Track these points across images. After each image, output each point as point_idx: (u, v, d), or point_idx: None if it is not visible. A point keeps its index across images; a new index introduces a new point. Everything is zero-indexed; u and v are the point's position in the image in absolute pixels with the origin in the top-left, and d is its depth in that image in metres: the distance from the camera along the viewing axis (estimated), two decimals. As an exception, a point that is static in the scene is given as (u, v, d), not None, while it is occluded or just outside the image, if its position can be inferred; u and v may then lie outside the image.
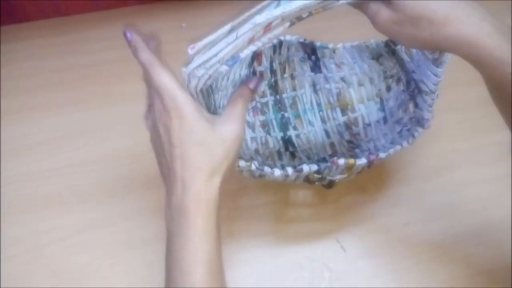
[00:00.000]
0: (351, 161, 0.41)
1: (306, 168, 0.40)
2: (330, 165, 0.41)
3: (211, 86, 0.42)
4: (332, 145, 0.52)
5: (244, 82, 0.40)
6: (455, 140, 0.55)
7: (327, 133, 0.53)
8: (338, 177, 0.43)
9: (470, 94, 0.57)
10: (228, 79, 0.48)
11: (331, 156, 0.51)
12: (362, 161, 0.41)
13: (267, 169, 0.40)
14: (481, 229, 0.48)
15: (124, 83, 0.62)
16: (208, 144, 0.33)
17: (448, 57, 0.41)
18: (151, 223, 0.47)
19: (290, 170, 0.40)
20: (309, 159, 0.51)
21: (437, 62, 0.42)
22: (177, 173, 0.32)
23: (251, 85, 0.39)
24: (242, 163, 0.39)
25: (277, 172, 0.40)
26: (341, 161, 0.41)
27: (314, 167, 0.40)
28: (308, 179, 0.43)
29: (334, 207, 0.50)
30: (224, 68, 0.34)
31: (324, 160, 0.51)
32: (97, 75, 0.64)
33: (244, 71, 0.50)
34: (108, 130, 0.57)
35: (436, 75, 0.42)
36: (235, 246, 0.46)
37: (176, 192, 0.32)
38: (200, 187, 0.32)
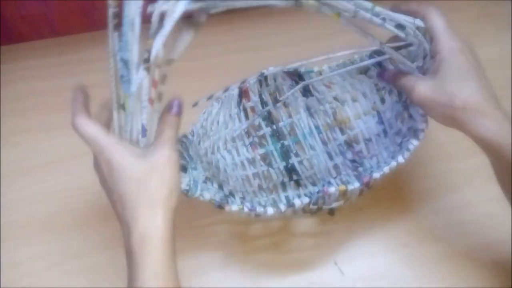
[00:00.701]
0: (342, 187, 0.40)
1: (298, 202, 0.40)
2: (321, 195, 0.40)
3: (186, 136, 0.43)
4: (336, 167, 0.51)
5: (166, 108, 0.37)
6: (453, 161, 0.54)
7: (329, 155, 0.52)
8: (335, 204, 0.42)
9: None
10: (218, 123, 0.48)
11: (336, 179, 0.50)
12: (355, 185, 0.40)
13: (259, 208, 0.40)
14: (479, 250, 0.46)
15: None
16: (140, 178, 0.32)
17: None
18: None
19: (282, 206, 0.40)
20: (315, 186, 0.50)
21: (422, 70, 0.41)
22: (120, 216, 0.33)
23: (174, 110, 0.37)
24: (234, 207, 0.40)
25: (270, 210, 0.40)
26: (332, 189, 0.40)
27: (306, 200, 0.40)
28: (305, 211, 0.42)
29: (332, 230, 0.49)
30: None
31: (329, 184, 0.50)
32: (94, 96, 0.63)
33: (234, 110, 0.50)
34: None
35: None
36: (236, 272, 0.46)
37: (124, 235, 0.32)
38: (144, 225, 0.31)
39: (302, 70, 0.50)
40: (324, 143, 0.53)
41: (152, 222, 0.31)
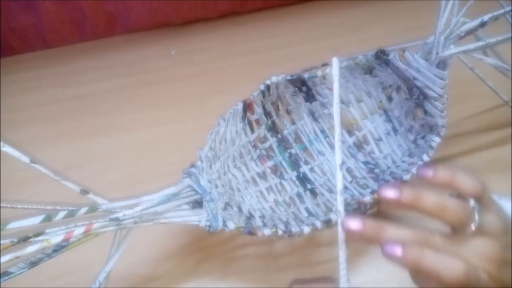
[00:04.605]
0: (377, 195, 0.39)
1: (334, 217, 0.38)
2: (357, 206, 0.39)
3: (194, 166, 0.40)
4: (349, 170, 0.50)
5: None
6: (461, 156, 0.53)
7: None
8: (369, 212, 0.41)
9: (463, 111, 0.57)
10: (225, 141, 0.46)
11: (352, 183, 0.49)
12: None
13: (294, 229, 0.38)
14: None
15: (113, 114, 0.63)
16: None
17: (452, 59, 0.40)
18: (149, 258, 0.45)
19: (318, 224, 0.38)
20: (331, 193, 0.48)
21: (441, 65, 0.40)
22: None
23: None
24: (267, 231, 0.37)
25: (306, 229, 0.38)
26: (367, 198, 0.38)
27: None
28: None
29: (333, 232, 0.48)
30: None
31: (346, 188, 0.48)
32: (85, 107, 0.64)
33: (239, 125, 0.48)
34: (98, 164, 0.55)
35: (442, 79, 0.40)
36: (234, 276, 0.45)
37: None
38: None
39: (306, 76, 0.48)
40: (332, 146, 0.52)
41: None
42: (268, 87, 0.47)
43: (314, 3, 0.80)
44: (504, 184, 0.48)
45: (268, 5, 0.79)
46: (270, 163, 0.50)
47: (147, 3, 0.72)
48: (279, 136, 0.52)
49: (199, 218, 0.37)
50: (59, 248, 0.34)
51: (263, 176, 0.50)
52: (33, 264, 0.34)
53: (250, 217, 0.43)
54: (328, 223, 0.38)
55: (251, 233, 0.38)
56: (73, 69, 0.69)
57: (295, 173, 0.50)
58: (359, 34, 0.71)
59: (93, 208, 0.35)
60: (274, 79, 0.47)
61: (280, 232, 0.38)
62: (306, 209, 0.47)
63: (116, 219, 0.33)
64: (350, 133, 0.51)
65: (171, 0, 0.72)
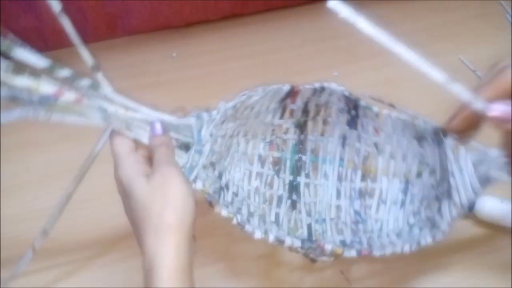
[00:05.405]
0: (339, 250, 0.37)
1: (288, 241, 0.37)
2: (314, 247, 0.37)
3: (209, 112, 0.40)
4: (338, 208, 0.48)
5: (150, 133, 0.37)
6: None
7: (338, 193, 0.49)
8: (322, 258, 0.39)
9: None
10: (251, 110, 0.44)
11: (332, 221, 0.47)
12: (351, 253, 0.38)
13: (248, 227, 0.37)
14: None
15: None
16: (144, 201, 0.31)
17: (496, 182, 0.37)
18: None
19: (271, 237, 0.37)
20: (309, 216, 0.47)
21: (483, 180, 0.37)
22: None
23: (157, 132, 0.37)
24: (224, 213, 0.37)
25: (258, 234, 0.37)
26: (328, 246, 0.37)
27: (298, 243, 0.37)
28: (291, 250, 0.40)
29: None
30: None
31: (324, 221, 0.47)
32: None
33: (273, 105, 0.46)
34: (100, 166, 0.54)
35: (475, 193, 0.37)
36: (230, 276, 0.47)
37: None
38: (150, 254, 0.29)
39: (363, 103, 0.45)
40: (340, 178, 0.49)
41: (158, 251, 0.28)
42: (322, 89, 0.45)
43: (317, 5, 0.77)
44: (505, 186, 0.45)
45: (270, 7, 0.78)
46: (276, 154, 0.49)
47: (148, 5, 0.71)
48: (302, 137, 0.50)
49: (177, 160, 0.37)
50: (44, 102, 0.34)
51: (262, 160, 0.48)
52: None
53: (224, 188, 0.43)
54: (280, 241, 0.37)
55: (210, 204, 0.37)
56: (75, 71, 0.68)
57: (291, 178, 0.49)
58: (362, 36, 0.68)
59: (96, 85, 0.35)
60: (333, 85, 0.44)
61: (234, 221, 0.37)
62: (276, 214, 0.46)
63: (105, 111, 0.33)
64: (363, 178, 0.49)
65: (172, 2, 0.71)
